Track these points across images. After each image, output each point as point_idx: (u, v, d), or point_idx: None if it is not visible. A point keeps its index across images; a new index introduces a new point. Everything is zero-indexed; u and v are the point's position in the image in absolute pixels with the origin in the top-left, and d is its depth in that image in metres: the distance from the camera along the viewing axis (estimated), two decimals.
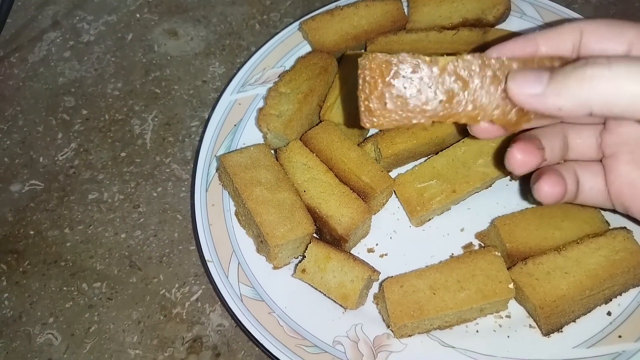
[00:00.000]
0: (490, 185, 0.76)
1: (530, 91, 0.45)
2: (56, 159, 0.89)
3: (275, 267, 0.72)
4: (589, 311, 0.66)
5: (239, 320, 0.68)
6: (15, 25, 1.06)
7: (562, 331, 0.65)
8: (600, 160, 0.58)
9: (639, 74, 0.42)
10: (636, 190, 0.54)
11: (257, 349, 0.70)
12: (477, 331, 0.67)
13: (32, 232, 0.82)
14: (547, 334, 0.65)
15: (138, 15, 1.06)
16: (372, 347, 0.66)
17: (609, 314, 0.66)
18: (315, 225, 0.71)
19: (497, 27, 0.88)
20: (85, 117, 0.94)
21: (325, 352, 0.66)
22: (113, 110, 0.94)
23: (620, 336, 0.64)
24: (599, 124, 0.57)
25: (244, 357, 0.71)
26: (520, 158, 0.53)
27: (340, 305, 0.68)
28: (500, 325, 0.67)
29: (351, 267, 0.67)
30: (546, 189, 0.55)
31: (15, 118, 0.94)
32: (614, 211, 0.59)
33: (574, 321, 0.66)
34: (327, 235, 0.72)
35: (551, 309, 0.63)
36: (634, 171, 0.54)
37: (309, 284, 0.69)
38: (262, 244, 0.70)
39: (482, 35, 0.84)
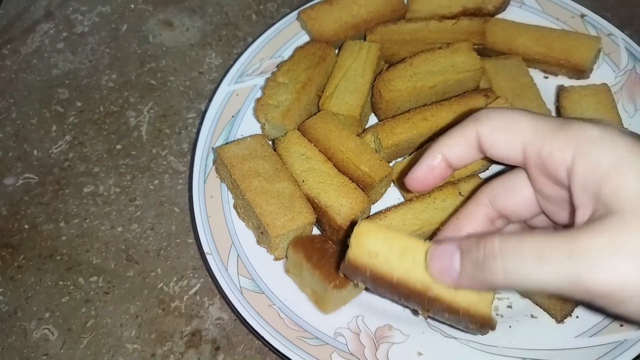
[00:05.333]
0: (487, 169, 0.76)
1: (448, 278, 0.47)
2: (50, 151, 0.88)
3: (276, 258, 0.71)
4: None
5: (239, 313, 0.67)
6: (7, 16, 1.04)
7: (571, 315, 0.65)
8: None
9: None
10: None
11: (257, 342, 0.69)
12: None
13: (26, 226, 0.81)
14: (562, 319, 0.65)
15: (132, 6, 1.04)
16: (374, 338, 0.66)
17: None
18: (315, 214, 0.70)
19: (497, 16, 0.88)
20: (79, 109, 0.92)
21: (327, 344, 0.65)
22: (108, 102, 0.93)
23: (621, 325, 0.64)
24: None
25: (244, 350, 0.70)
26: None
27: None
28: (501, 316, 0.67)
29: (319, 278, 0.65)
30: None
31: (8, 110, 0.92)
32: None
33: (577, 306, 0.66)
34: (326, 225, 0.71)
35: None
36: None
37: None
38: (263, 235, 0.69)
39: (482, 24, 0.83)
